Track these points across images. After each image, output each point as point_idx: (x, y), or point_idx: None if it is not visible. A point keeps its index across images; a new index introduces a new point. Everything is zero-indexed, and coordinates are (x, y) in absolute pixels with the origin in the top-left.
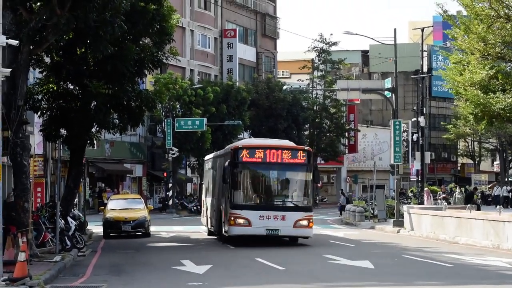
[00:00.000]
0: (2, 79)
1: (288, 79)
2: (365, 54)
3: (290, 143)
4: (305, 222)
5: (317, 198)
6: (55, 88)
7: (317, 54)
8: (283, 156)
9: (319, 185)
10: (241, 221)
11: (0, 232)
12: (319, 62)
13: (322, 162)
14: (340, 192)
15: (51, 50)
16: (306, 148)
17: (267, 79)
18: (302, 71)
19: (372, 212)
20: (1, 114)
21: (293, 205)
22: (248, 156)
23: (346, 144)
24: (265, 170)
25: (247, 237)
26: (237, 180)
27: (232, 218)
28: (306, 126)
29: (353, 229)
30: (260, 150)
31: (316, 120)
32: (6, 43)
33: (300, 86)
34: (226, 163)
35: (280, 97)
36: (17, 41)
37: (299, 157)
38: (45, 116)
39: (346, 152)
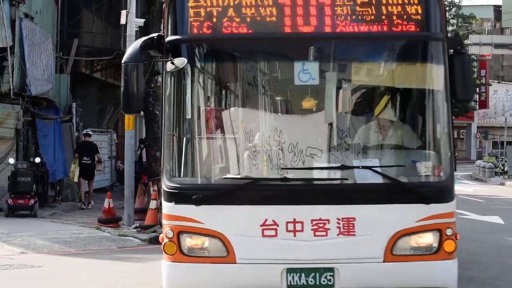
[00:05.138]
0: (136, 29)
1: None
2: (497, 8)
3: None
4: (430, 239)
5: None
6: None
7: (447, 8)
8: (342, 11)
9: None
10: (196, 244)
11: (132, 180)
12: (449, 17)
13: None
14: None
15: None
16: None
17: None
18: None
19: (502, 168)
20: None
21: (396, 173)
22: (212, 21)
23: (477, 99)
24: (280, 66)
25: None
26: (178, 107)
27: (168, 238)
28: None
29: (483, 185)
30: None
31: None
32: None
33: None
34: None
35: None
36: None
37: (404, 16)
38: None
39: (477, 107)
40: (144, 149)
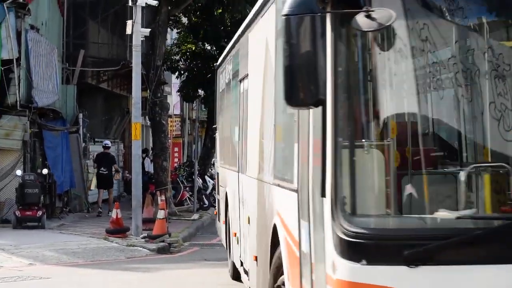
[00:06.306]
0: (142, 39)
1: None
2: None
3: None
4: None
5: None
6: (192, 49)
7: None
8: None
9: None
10: None
11: (140, 190)
12: None
13: None
14: None
15: (189, 10)
16: None
17: None
18: None
19: None
20: (141, 74)
21: None
22: None
23: None
24: None
25: None
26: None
27: None
28: None
29: None
30: None
31: None
32: (146, 3)
33: None
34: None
35: None
36: (156, 2)
37: None
38: (182, 76)
39: None
40: (146, 158)
